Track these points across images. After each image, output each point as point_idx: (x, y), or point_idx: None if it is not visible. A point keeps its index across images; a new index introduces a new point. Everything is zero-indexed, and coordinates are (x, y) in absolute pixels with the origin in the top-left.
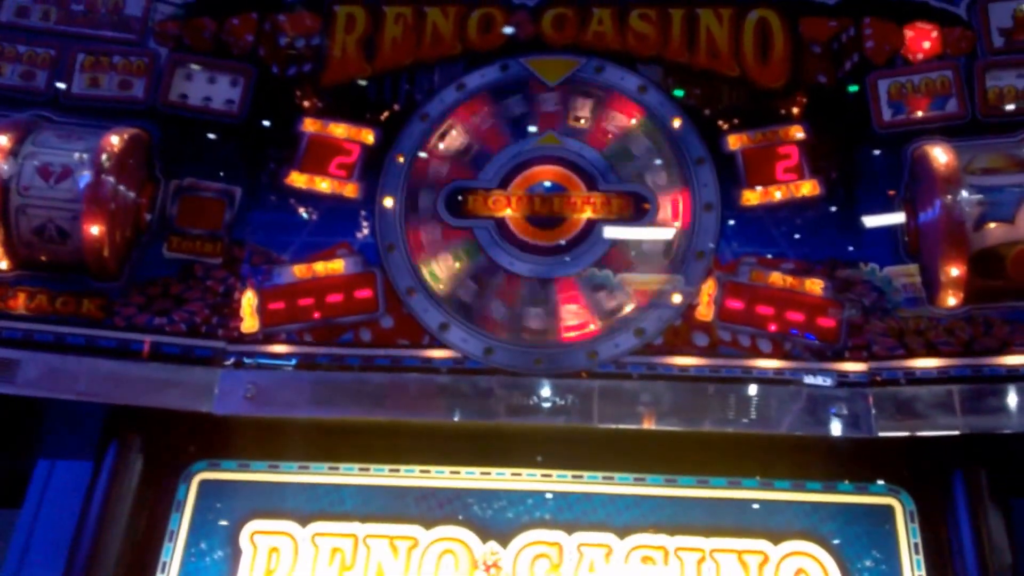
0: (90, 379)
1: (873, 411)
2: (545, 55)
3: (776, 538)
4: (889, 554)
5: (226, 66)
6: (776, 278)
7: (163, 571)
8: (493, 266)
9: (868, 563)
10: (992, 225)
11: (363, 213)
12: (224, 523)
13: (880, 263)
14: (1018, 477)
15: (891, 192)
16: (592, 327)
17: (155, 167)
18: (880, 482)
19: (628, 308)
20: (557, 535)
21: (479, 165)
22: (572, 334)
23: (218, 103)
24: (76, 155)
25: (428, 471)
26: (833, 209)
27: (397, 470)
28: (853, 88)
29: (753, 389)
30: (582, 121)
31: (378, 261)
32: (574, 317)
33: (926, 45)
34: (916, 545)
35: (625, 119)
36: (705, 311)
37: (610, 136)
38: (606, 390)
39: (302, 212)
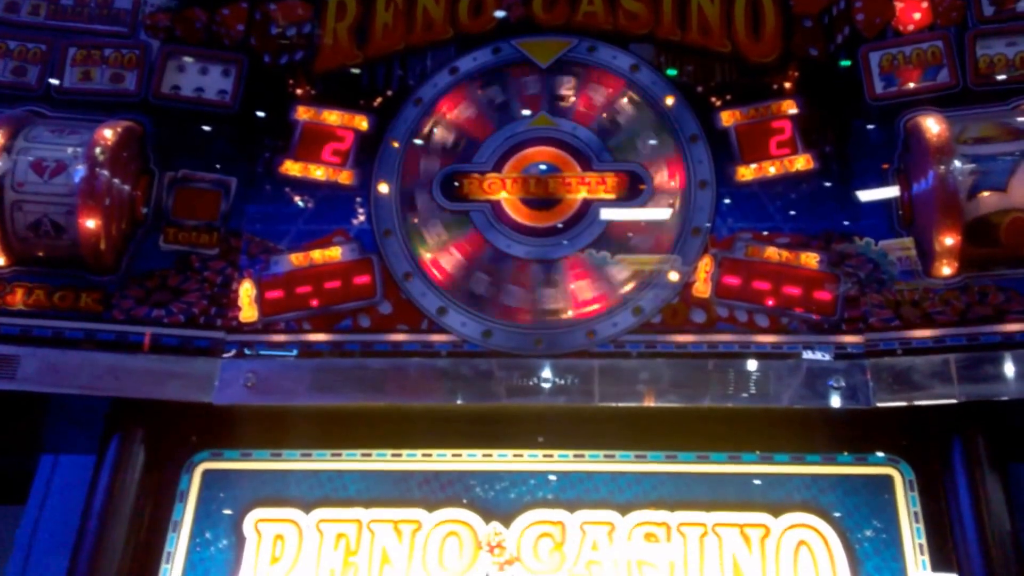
0: (90, 373)
1: (871, 382)
2: (537, 37)
3: (777, 511)
4: (889, 523)
5: (218, 56)
6: (772, 253)
7: (168, 561)
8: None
9: (868, 533)
10: (985, 194)
11: (359, 200)
12: (228, 512)
13: (875, 236)
14: (1016, 443)
15: (885, 165)
16: (589, 307)
17: (149, 159)
18: (879, 452)
19: (625, 288)
20: (560, 514)
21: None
22: (569, 314)
23: (211, 94)
24: (70, 149)
25: (430, 455)
26: (827, 183)
27: (399, 455)
28: (845, 63)
29: (751, 364)
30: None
31: (375, 247)
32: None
33: (916, 16)
34: (916, 514)
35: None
36: (702, 288)
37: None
38: (606, 369)
39: (297, 200)
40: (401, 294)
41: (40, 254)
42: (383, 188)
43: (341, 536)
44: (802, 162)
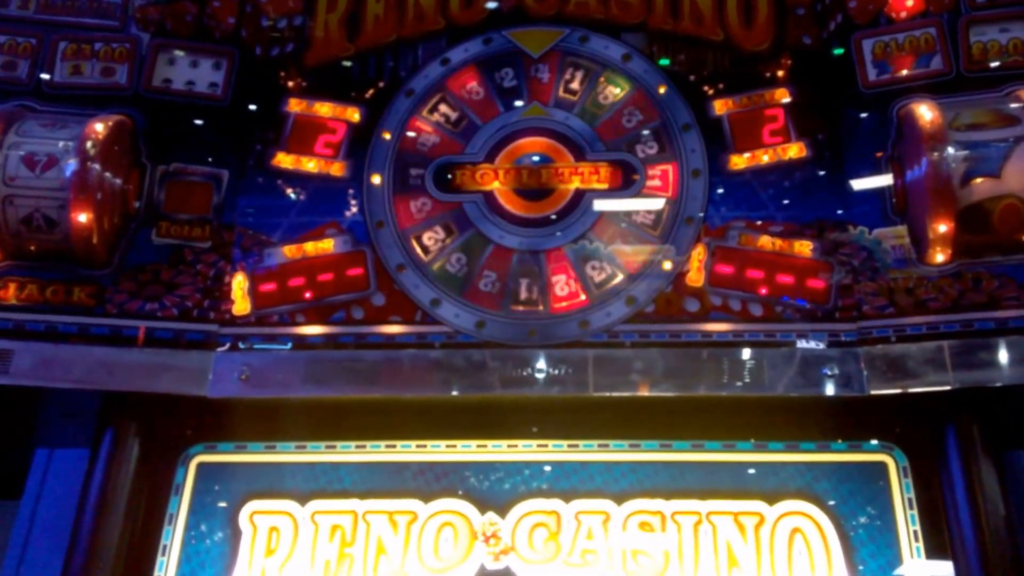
0: (84, 367)
1: (864, 370)
2: (528, 27)
3: (771, 499)
4: (884, 510)
5: (209, 49)
6: (765, 241)
7: (164, 554)
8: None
9: (863, 520)
10: (978, 180)
11: (351, 191)
12: (223, 505)
13: (869, 224)
14: (1010, 430)
15: (878, 153)
16: (583, 297)
17: (141, 153)
18: (873, 440)
19: (619, 278)
20: (555, 504)
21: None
22: (563, 304)
23: (202, 87)
24: (61, 144)
25: (425, 446)
26: (820, 171)
27: (394, 446)
28: (838, 51)
29: (745, 353)
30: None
31: (368, 239)
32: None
33: (909, 3)
34: (910, 500)
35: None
36: (696, 277)
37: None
38: (600, 359)
39: (290, 193)
40: (394, 286)
41: (32, 248)
42: (375, 180)
43: (336, 528)
44: (795, 150)
